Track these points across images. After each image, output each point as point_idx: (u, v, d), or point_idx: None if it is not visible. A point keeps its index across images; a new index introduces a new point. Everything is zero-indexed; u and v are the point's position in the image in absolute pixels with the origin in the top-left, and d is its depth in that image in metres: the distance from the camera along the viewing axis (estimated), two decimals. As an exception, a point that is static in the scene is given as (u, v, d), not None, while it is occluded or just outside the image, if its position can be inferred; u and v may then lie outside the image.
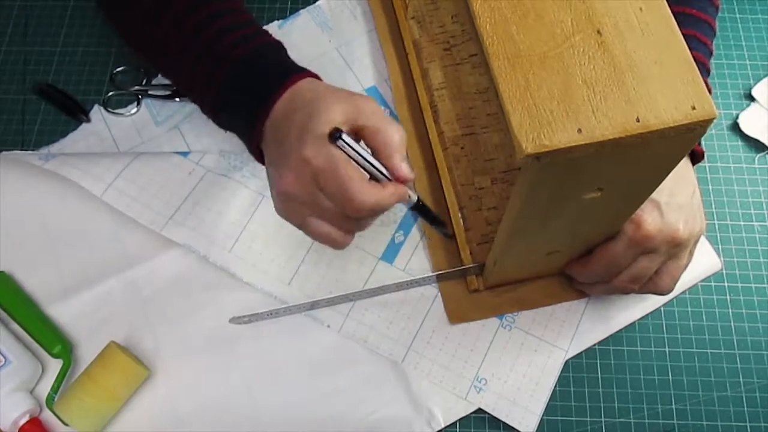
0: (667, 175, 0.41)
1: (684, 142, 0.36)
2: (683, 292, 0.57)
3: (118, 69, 0.68)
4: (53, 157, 0.61)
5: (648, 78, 0.34)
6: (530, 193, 0.38)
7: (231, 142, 0.64)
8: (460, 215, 0.59)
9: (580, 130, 0.33)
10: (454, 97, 0.63)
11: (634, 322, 0.57)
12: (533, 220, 0.43)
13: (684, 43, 0.35)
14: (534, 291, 0.58)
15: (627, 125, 0.33)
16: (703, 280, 0.58)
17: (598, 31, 0.35)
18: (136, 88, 0.67)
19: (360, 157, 0.41)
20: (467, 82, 0.64)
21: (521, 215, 0.41)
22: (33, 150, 0.64)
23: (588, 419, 0.54)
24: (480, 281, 0.57)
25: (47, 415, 0.54)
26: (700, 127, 0.34)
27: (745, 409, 0.54)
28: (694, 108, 0.33)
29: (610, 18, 0.36)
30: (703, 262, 0.58)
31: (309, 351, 0.56)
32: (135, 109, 0.66)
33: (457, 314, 0.57)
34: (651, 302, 0.56)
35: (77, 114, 0.65)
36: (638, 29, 0.35)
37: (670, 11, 0.36)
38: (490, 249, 0.53)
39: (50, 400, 0.53)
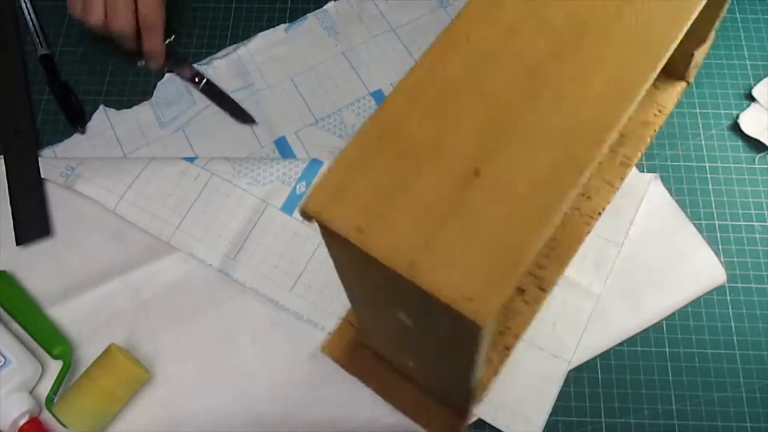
0: (472, 355, 0.36)
1: (453, 322, 0.30)
2: (686, 306, 0.57)
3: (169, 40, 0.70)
4: (72, 171, 0.61)
5: (466, 243, 0.30)
6: (330, 249, 0.36)
7: (236, 146, 0.64)
8: None
9: (360, 229, 0.30)
10: None
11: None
12: (354, 286, 0.41)
13: (532, 248, 0.30)
14: (408, 394, 0.54)
15: (398, 259, 0.29)
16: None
17: (477, 171, 0.32)
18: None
19: None
20: None
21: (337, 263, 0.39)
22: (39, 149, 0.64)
23: (588, 419, 0.54)
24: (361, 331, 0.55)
25: (47, 416, 0.53)
26: (463, 320, 0.28)
27: (746, 409, 0.54)
28: (470, 300, 0.28)
29: (501, 171, 0.32)
30: (707, 275, 0.58)
31: (312, 359, 0.56)
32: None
33: (331, 348, 0.56)
34: (654, 314, 0.57)
35: (75, 123, 0.65)
36: (511, 202, 0.31)
37: (557, 213, 0.31)
38: None
39: (49, 402, 0.53)
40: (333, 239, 0.31)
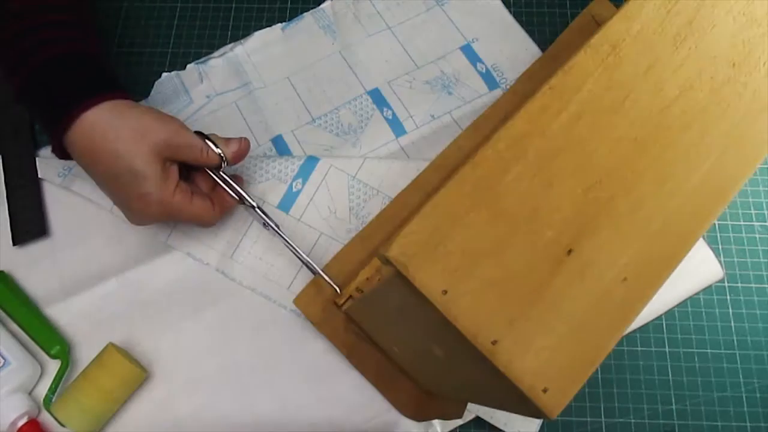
0: (508, 406, 0.35)
1: (519, 401, 0.30)
2: (684, 302, 0.58)
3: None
4: (70, 171, 0.61)
5: (551, 328, 0.29)
6: (382, 288, 0.34)
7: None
8: None
9: (445, 292, 0.28)
10: None
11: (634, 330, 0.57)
12: (387, 315, 0.40)
13: (612, 343, 0.30)
14: (374, 363, 0.53)
15: (481, 336, 0.28)
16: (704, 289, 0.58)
17: (569, 251, 0.30)
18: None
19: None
20: None
21: (371, 298, 0.39)
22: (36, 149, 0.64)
23: (588, 419, 0.54)
24: (347, 304, 0.54)
25: (45, 417, 0.53)
26: (535, 410, 0.28)
27: (745, 409, 0.54)
28: (545, 391, 0.28)
29: (593, 255, 0.30)
30: (704, 271, 0.58)
31: (308, 356, 0.56)
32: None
33: (304, 302, 0.54)
34: (651, 310, 0.57)
35: None
36: (599, 289, 0.30)
37: (640, 308, 0.31)
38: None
39: (47, 401, 0.53)
40: (406, 290, 0.29)
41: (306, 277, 0.58)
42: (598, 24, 0.63)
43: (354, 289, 0.54)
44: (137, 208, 0.51)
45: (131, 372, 0.53)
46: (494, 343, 0.28)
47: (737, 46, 0.36)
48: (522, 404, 0.30)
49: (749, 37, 0.36)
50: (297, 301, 0.55)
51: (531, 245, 0.30)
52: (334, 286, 0.54)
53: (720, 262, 0.58)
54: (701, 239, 0.58)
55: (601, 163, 0.32)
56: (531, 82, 0.64)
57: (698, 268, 0.58)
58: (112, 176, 0.49)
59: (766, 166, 0.63)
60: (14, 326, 0.56)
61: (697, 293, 0.58)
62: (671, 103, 0.33)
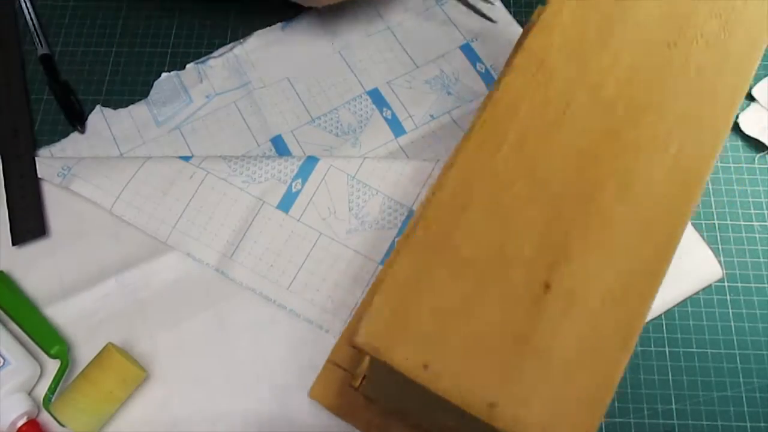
0: None
1: None
2: (684, 301, 0.57)
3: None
4: (69, 171, 0.61)
5: (546, 375, 0.27)
6: (375, 370, 0.32)
7: (232, 144, 0.64)
8: None
9: (426, 366, 0.26)
10: None
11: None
12: (390, 389, 0.37)
13: (619, 371, 0.27)
14: None
15: (476, 402, 0.26)
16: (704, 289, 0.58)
17: (547, 286, 0.28)
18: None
19: None
20: None
21: (374, 379, 0.37)
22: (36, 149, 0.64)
23: (588, 420, 0.54)
24: (364, 386, 0.52)
25: (45, 417, 0.53)
26: None
27: (745, 409, 0.54)
28: None
29: (573, 284, 0.28)
30: (704, 271, 0.58)
31: (309, 356, 0.56)
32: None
33: (320, 393, 0.53)
34: (651, 311, 0.56)
35: (74, 123, 0.65)
36: (588, 319, 0.27)
37: (640, 325, 0.28)
38: None
39: (47, 401, 0.52)
40: (388, 370, 0.27)
41: (309, 279, 0.58)
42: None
43: (366, 367, 0.52)
44: None
45: (131, 372, 0.53)
46: (492, 406, 0.26)
47: (668, 24, 0.33)
48: None
49: (678, 11, 0.33)
50: (312, 392, 0.54)
51: (504, 291, 0.27)
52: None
53: (720, 261, 0.58)
54: (700, 239, 0.59)
55: (556, 185, 0.30)
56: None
57: (698, 268, 0.58)
58: None
59: (766, 166, 0.63)
60: (14, 326, 0.56)
61: (697, 293, 0.58)
62: (613, 103, 0.31)
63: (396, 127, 0.65)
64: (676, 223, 0.29)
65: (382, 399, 0.50)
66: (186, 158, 0.61)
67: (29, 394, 0.54)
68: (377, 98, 0.66)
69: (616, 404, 0.54)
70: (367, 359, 0.53)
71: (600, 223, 0.29)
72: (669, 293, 0.57)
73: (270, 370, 0.56)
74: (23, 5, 0.71)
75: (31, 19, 0.70)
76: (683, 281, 0.57)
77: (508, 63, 0.32)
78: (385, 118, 0.65)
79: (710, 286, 0.58)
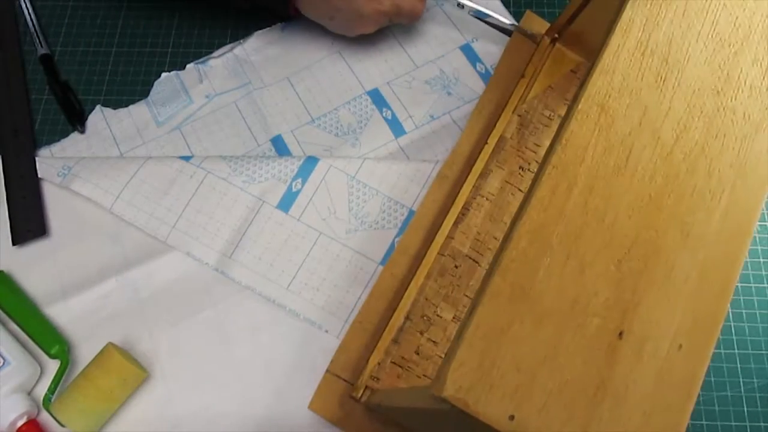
0: None
1: None
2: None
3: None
4: (69, 171, 0.61)
5: (622, 421, 0.27)
6: (445, 421, 0.32)
7: (232, 144, 0.64)
8: (400, 323, 0.54)
9: (512, 417, 0.27)
10: (489, 217, 0.57)
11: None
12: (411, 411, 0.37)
13: (686, 418, 0.28)
14: None
15: None
16: None
17: (620, 333, 0.28)
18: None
19: None
20: (509, 212, 0.57)
21: (395, 398, 0.37)
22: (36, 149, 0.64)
23: (588, 420, 0.54)
24: (366, 395, 0.52)
25: (45, 417, 0.53)
26: None
27: (745, 409, 0.54)
28: None
29: (644, 331, 0.28)
30: None
31: (308, 356, 0.56)
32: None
33: (319, 403, 0.53)
34: None
35: (74, 122, 0.65)
36: (659, 365, 0.28)
37: (704, 370, 0.28)
38: (398, 376, 0.48)
39: (47, 401, 0.53)
40: (472, 423, 0.27)
41: (309, 279, 0.58)
42: (576, 76, 0.61)
43: (368, 377, 0.53)
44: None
45: (131, 372, 0.53)
46: None
47: (716, 72, 0.34)
48: None
49: (723, 59, 0.34)
50: (312, 405, 0.54)
51: (582, 339, 0.28)
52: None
53: None
54: None
55: (624, 232, 0.30)
56: (482, 117, 0.63)
57: None
58: None
59: None
60: (14, 326, 0.56)
61: None
62: (671, 149, 0.32)
63: (396, 127, 0.65)
64: (733, 268, 0.30)
65: (388, 410, 0.49)
66: (186, 158, 0.61)
67: (29, 394, 0.54)
68: (377, 98, 0.66)
69: (616, 404, 0.54)
70: (373, 366, 0.53)
71: (665, 269, 0.29)
72: None
73: (270, 369, 0.56)
74: (23, 5, 0.71)
75: (31, 19, 0.70)
76: None
77: (568, 108, 0.32)
78: (385, 119, 0.65)
79: None
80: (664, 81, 0.33)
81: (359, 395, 0.52)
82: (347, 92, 0.66)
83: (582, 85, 0.33)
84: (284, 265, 0.58)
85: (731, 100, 0.34)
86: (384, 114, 0.65)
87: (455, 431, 0.33)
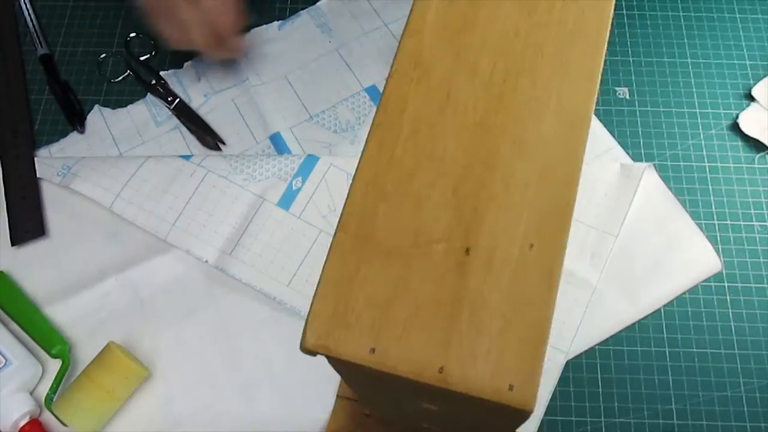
0: (503, 425, 0.35)
1: (498, 413, 0.30)
2: (683, 294, 0.57)
3: (132, 35, 0.70)
4: (68, 170, 0.61)
5: (484, 329, 0.28)
6: (341, 373, 0.34)
7: (231, 142, 0.64)
8: None
9: (373, 350, 0.28)
10: None
11: (634, 323, 0.57)
12: (368, 392, 0.39)
13: (550, 310, 0.29)
14: None
15: (425, 370, 0.28)
16: (703, 281, 0.58)
17: (467, 250, 0.30)
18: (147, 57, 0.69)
19: None
20: None
21: (357, 391, 0.39)
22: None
23: (588, 419, 0.54)
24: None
25: (47, 417, 0.54)
26: (511, 411, 0.28)
27: (745, 409, 0.53)
28: (511, 388, 0.27)
29: (491, 242, 0.30)
30: (703, 263, 0.58)
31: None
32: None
33: (334, 428, 0.54)
34: (651, 303, 0.56)
35: (74, 122, 0.65)
36: (511, 268, 0.30)
37: (561, 261, 0.30)
38: None
39: (49, 401, 0.53)
40: (343, 365, 0.29)
41: (309, 276, 0.58)
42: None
43: None
44: None
45: (132, 370, 0.53)
46: (440, 371, 0.28)
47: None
48: (502, 416, 0.29)
49: None
50: (329, 430, 0.54)
51: (429, 265, 0.29)
52: None
53: (718, 254, 0.58)
54: (699, 231, 0.59)
55: (455, 160, 0.32)
56: None
57: (696, 261, 0.58)
58: None
59: (766, 166, 0.63)
60: (15, 326, 0.56)
61: (696, 285, 0.57)
62: (490, 75, 0.34)
63: (395, 122, 0.64)
64: (573, 162, 0.32)
65: (389, 415, 0.50)
66: (186, 157, 0.61)
67: (31, 393, 0.54)
68: (375, 95, 0.66)
69: (616, 404, 0.54)
70: None
71: (504, 181, 0.31)
72: (669, 285, 0.57)
73: (271, 367, 0.56)
74: (23, 5, 0.71)
75: (31, 19, 0.70)
76: (682, 274, 0.57)
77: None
78: (384, 115, 0.65)
79: (710, 286, 0.58)
80: (473, 21, 0.36)
81: (369, 411, 0.53)
82: (345, 89, 0.66)
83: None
84: (285, 263, 0.58)
85: (545, 15, 0.36)
86: (382, 110, 0.65)
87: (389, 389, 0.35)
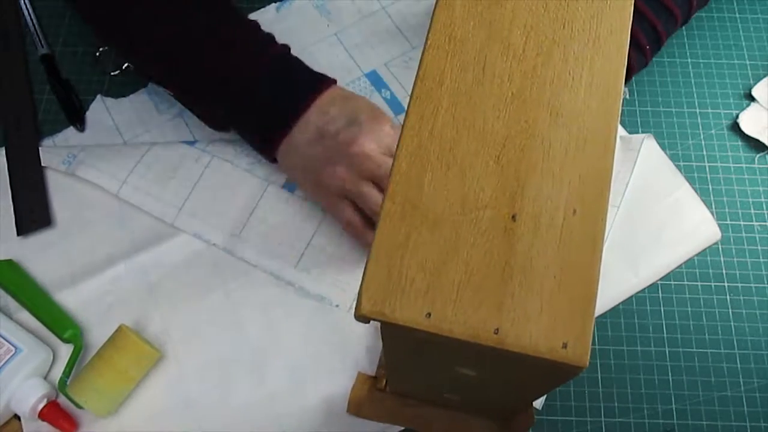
0: (545, 386, 0.36)
1: (549, 373, 0.31)
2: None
3: (102, 49, 0.69)
4: (74, 158, 0.61)
5: (535, 290, 0.29)
6: (388, 342, 0.35)
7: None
8: None
9: (429, 315, 0.29)
10: None
11: (634, 322, 0.56)
12: (405, 362, 0.40)
13: (597, 272, 0.30)
14: (440, 417, 0.53)
15: (481, 332, 0.29)
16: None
17: (513, 216, 0.31)
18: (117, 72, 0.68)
19: None
20: None
21: (389, 363, 0.39)
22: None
23: (588, 419, 0.53)
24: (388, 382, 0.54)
25: (62, 400, 0.55)
26: (566, 368, 0.29)
27: (745, 409, 0.53)
28: (565, 346, 0.28)
29: (536, 208, 0.31)
30: (703, 231, 0.57)
31: (320, 332, 0.57)
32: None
33: (355, 406, 0.54)
34: (652, 273, 0.56)
35: (75, 121, 0.65)
36: (557, 233, 0.30)
37: (603, 226, 0.31)
38: None
39: (63, 384, 0.54)
40: (398, 332, 0.30)
41: (317, 256, 0.58)
42: None
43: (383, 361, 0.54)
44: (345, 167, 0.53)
45: (145, 351, 0.54)
46: (496, 332, 0.29)
47: None
48: (552, 375, 0.31)
49: None
50: (350, 409, 0.54)
51: (478, 231, 0.30)
52: None
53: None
54: (699, 201, 0.58)
55: (495, 131, 0.33)
56: None
57: (696, 230, 0.57)
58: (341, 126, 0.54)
59: (766, 166, 0.61)
60: (23, 315, 0.58)
61: (697, 254, 0.57)
62: (523, 49, 0.35)
63: (396, 106, 0.64)
64: (609, 131, 0.33)
65: (409, 389, 0.51)
66: (191, 143, 0.62)
67: (45, 378, 0.56)
68: (375, 79, 0.64)
69: (616, 404, 0.54)
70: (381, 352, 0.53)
71: (544, 150, 0.32)
72: (669, 255, 0.57)
73: (282, 347, 0.57)
74: (23, 6, 0.70)
75: (31, 19, 0.70)
76: (683, 243, 0.57)
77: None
78: (384, 99, 0.64)
79: (711, 286, 0.57)
80: None
81: (383, 386, 0.54)
82: (345, 74, 0.65)
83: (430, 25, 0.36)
84: (292, 243, 0.59)
85: None
86: (383, 94, 0.64)
87: (431, 362, 0.37)
